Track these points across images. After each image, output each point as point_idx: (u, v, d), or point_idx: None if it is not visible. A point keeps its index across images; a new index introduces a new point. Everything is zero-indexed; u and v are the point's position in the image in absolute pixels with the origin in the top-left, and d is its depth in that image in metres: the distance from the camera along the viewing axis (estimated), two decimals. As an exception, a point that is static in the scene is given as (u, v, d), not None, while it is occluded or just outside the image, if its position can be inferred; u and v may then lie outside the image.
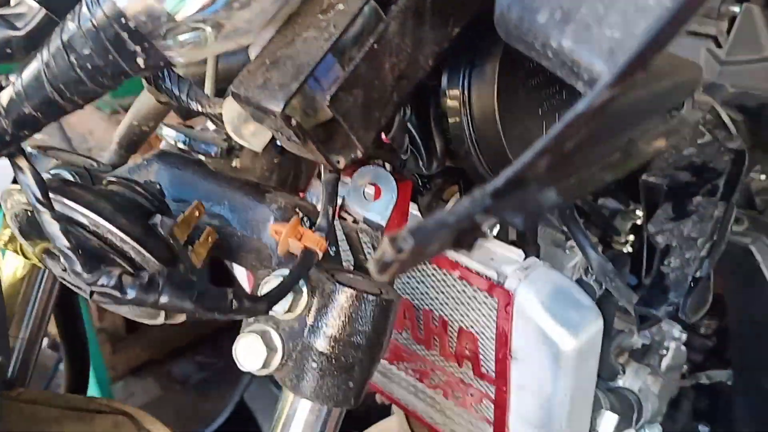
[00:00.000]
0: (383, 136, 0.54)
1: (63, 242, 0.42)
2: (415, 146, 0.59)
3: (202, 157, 0.62)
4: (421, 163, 0.60)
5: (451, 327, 0.74)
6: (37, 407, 0.62)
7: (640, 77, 0.24)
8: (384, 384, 0.89)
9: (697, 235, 0.61)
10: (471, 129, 0.54)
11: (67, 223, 0.44)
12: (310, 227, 0.56)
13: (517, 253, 0.70)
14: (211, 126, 0.63)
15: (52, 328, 0.80)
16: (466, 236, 0.27)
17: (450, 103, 0.54)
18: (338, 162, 0.42)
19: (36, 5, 0.45)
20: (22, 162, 0.42)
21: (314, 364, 0.55)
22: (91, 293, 0.42)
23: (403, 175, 0.62)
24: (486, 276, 0.68)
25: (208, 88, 0.50)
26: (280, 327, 0.55)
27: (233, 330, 0.57)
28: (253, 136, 0.44)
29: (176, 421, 1.87)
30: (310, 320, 0.55)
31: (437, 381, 0.80)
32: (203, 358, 2.44)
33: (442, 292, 0.73)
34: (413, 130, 0.57)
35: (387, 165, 0.61)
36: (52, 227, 0.42)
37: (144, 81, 0.58)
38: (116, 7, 0.34)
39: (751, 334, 1.00)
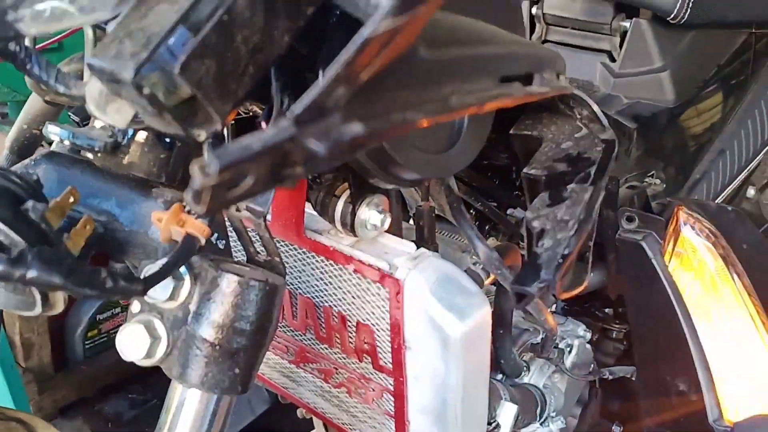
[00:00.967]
0: (263, 125, 0.57)
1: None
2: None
3: (90, 155, 0.63)
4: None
5: (350, 322, 0.75)
6: None
7: (421, 14, 0.26)
8: (292, 388, 0.89)
9: (568, 217, 0.64)
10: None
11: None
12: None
13: (409, 246, 0.73)
14: (98, 124, 0.63)
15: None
16: (283, 168, 0.29)
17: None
18: (198, 135, 0.43)
19: None
20: None
21: (199, 352, 0.55)
22: (-45, 271, 0.43)
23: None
24: (378, 267, 0.70)
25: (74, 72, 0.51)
26: (165, 316, 0.56)
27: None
28: (117, 113, 0.45)
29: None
30: (193, 307, 0.56)
31: (341, 379, 0.81)
32: (135, 396, 2.38)
33: (340, 288, 0.75)
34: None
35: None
36: None
37: (26, 79, 0.59)
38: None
39: (648, 326, 1.05)
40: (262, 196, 0.59)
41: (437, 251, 0.78)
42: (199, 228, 0.55)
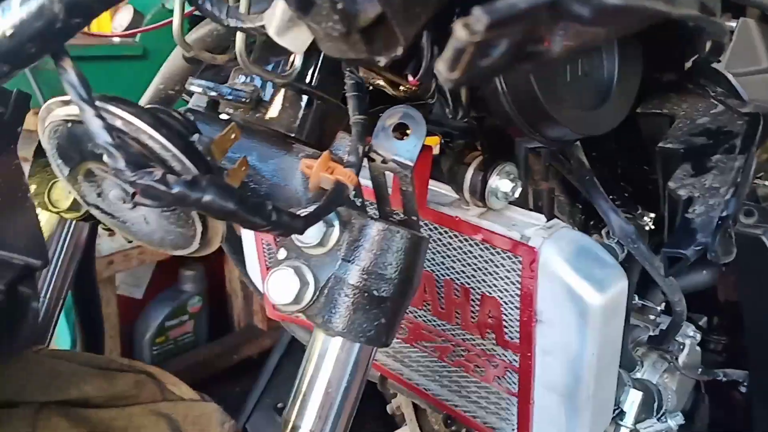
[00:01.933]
0: (411, 78, 0.56)
1: (106, 138, 0.42)
2: (441, 93, 0.60)
3: (231, 111, 0.63)
4: (447, 110, 0.61)
5: (474, 295, 0.73)
6: (60, 362, 0.60)
7: None
8: (398, 370, 0.87)
9: (719, 185, 0.62)
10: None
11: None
12: (341, 167, 0.56)
13: (537, 218, 0.71)
14: (240, 80, 0.64)
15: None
16: (531, 42, 0.28)
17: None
18: (379, 60, 0.43)
19: None
20: (66, 62, 0.43)
21: (346, 298, 0.54)
22: (133, 192, 0.42)
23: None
24: (509, 237, 0.68)
25: (243, 6, 0.51)
26: (312, 263, 0.55)
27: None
28: (295, 39, 0.45)
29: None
30: (341, 254, 0.55)
31: (458, 357, 0.79)
32: None
33: (464, 260, 0.73)
34: (440, 75, 0.58)
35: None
36: (95, 124, 0.42)
37: (175, 33, 0.60)
38: None
39: (766, 329, 1.00)
40: (410, 150, 0.58)
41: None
42: (347, 175, 0.54)
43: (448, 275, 0.75)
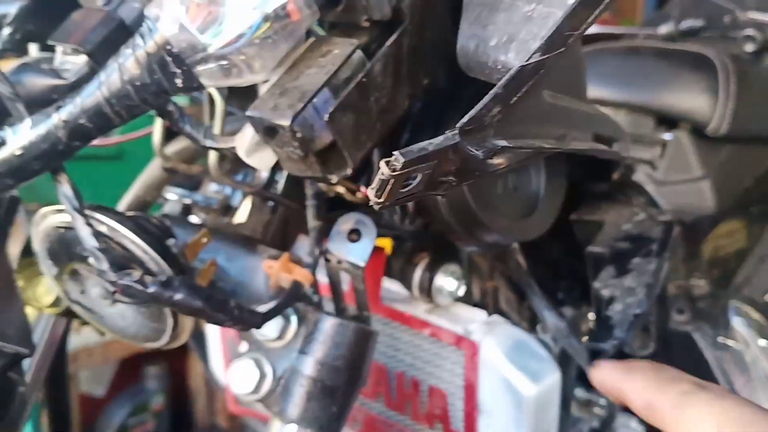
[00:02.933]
0: (363, 189, 0.64)
1: (93, 243, 0.49)
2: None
3: (203, 215, 0.70)
4: (396, 216, 0.69)
5: (423, 387, 0.79)
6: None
7: (549, 57, 0.34)
8: (357, 462, 0.91)
9: (636, 285, 0.70)
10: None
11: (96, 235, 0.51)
12: (299, 269, 0.63)
13: (480, 314, 0.78)
14: (211, 188, 0.71)
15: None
16: (441, 175, 0.36)
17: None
18: (331, 178, 0.51)
19: (79, 60, 0.55)
20: (62, 176, 0.50)
21: (301, 388, 0.60)
22: (114, 290, 0.49)
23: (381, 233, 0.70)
24: (454, 332, 0.75)
25: (217, 128, 0.59)
26: (270, 355, 0.61)
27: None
28: (261, 160, 0.52)
29: None
30: (298, 346, 0.61)
31: (409, 447, 0.84)
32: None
33: (414, 353, 0.79)
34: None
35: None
36: (85, 231, 0.49)
37: (154, 145, 0.68)
38: (164, 38, 0.45)
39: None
40: (362, 252, 0.65)
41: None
42: (304, 275, 0.61)
43: (400, 368, 0.81)
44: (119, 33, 0.56)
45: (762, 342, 1.00)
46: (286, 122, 0.46)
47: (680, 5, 1.43)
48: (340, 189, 0.75)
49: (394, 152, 0.33)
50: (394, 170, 0.33)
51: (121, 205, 0.79)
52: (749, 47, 1.37)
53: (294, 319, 0.61)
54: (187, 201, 0.68)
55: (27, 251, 0.66)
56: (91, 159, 1.91)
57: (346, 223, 0.65)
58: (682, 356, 1.03)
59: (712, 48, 1.31)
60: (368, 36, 0.51)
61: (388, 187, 0.34)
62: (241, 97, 0.62)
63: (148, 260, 0.52)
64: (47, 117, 0.47)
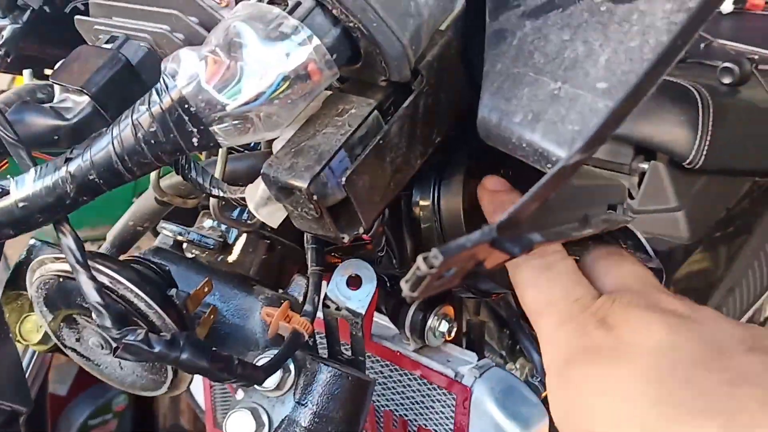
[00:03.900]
0: (364, 235, 0.63)
1: (97, 298, 0.47)
2: (390, 246, 0.68)
3: (196, 252, 0.69)
4: (394, 261, 0.68)
5: (411, 427, 0.79)
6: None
7: (589, 155, 0.34)
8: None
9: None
10: (440, 233, 0.63)
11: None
12: (297, 315, 0.62)
13: (471, 355, 0.78)
14: (206, 224, 0.70)
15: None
16: (476, 265, 0.35)
17: (422, 211, 0.63)
18: (343, 238, 0.50)
19: (81, 100, 0.53)
20: (65, 227, 0.48)
21: (297, 440, 0.59)
22: (117, 348, 0.47)
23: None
24: (445, 374, 0.75)
25: (218, 172, 0.58)
26: (267, 405, 0.60)
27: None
28: (271, 215, 0.51)
29: None
30: (296, 397, 0.60)
31: (394, 486, 0.83)
32: None
33: (403, 393, 0.79)
34: (389, 232, 0.66)
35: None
36: (88, 286, 0.47)
37: (152, 179, 0.66)
38: (182, 95, 0.43)
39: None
40: (362, 300, 0.65)
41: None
42: (303, 324, 0.60)
43: (388, 406, 0.81)
44: (124, 74, 0.54)
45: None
46: (303, 185, 0.45)
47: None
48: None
49: (432, 248, 0.33)
50: (431, 267, 0.33)
51: (110, 234, 0.77)
52: (726, 79, 1.39)
53: (292, 368, 0.60)
54: (182, 239, 0.67)
55: (11, 283, 0.64)
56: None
57: (346, 270, 0.65)
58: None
59: (691, 79, 1.33)
60: (383, 94, 0.50)
61: (425, 282, 0.33)
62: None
63: (152, 314, 0.51)
64: (54, 169, 0.46)
